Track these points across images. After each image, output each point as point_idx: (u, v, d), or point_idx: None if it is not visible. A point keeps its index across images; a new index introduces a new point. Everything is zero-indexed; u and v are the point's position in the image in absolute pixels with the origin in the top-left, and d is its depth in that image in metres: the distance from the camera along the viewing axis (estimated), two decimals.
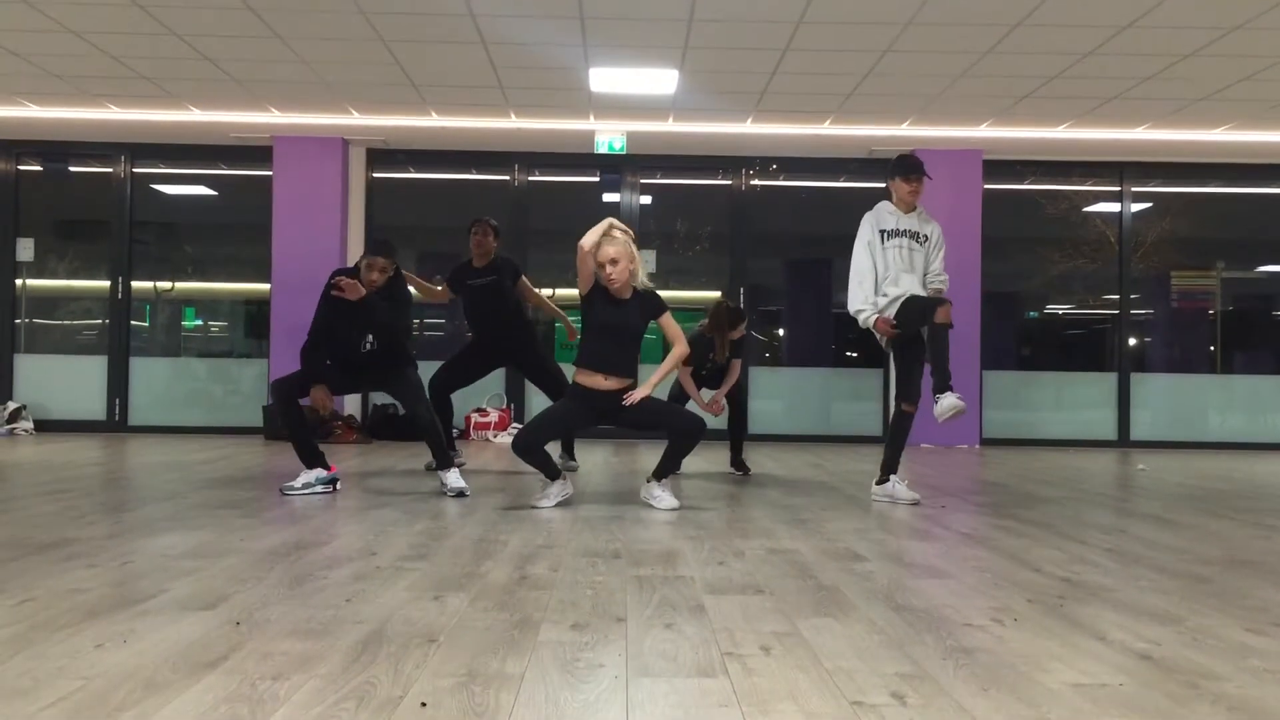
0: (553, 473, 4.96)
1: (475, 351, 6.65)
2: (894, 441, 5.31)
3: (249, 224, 10.01)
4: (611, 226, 4.87)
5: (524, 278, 6.61)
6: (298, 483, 5.21)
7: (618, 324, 4.89)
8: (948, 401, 4.90)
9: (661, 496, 4.90)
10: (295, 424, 5.27)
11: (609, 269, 4.79)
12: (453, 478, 5.25)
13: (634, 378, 4.96)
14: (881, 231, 5.19)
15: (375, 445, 8.67)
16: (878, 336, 5.22)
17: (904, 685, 2.16)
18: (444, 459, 5.33)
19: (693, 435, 4.94)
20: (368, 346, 5.37)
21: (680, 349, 5.01)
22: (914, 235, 5.22)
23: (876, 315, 5.09)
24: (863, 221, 5.27)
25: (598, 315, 4.88)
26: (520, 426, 9.39)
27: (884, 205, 5.29)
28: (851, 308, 5.17)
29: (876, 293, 5.13)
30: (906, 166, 5.28)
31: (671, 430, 4.97)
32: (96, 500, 4.92)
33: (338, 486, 5.34)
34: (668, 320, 4.97)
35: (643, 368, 5.05)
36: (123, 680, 2.10)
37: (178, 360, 10.32)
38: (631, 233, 4.95)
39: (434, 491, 5.36)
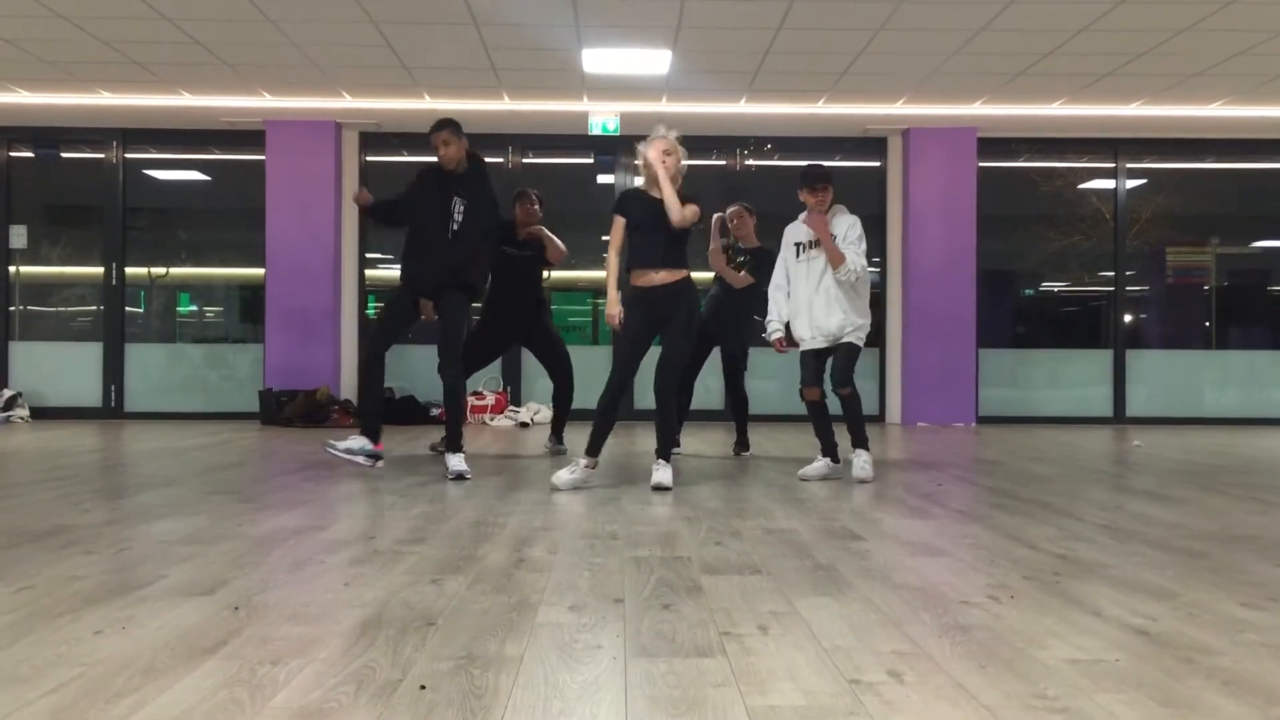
0: (596, 448, 4.98)
1: (491, 329, 6.50)
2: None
3: (242, 209, 10.00)
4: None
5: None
6: (340, 445, 5.29)
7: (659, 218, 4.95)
8: (862, 460, 5.37)
9: (657, 471, 4.94)
10: (375, 384, 5.34)
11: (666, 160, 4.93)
12: (456, 461, 5.24)
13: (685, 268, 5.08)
14: (796, 245, 5.43)
15: None
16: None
17: (901, 663, 2.17)
18: (456, 440, 5.30)
19: (669, 368, 5.02)
20: (456, 221, 5.33)
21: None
22: (815, 244, 5.34)
23: (779, 335, 5.47)
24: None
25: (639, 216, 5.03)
26: (516, 409, 9.45)
27: (800, 217, 5.44)
28: (767, 318, 5.57)
29: (784, 310, 5.45)
30: (806, 177, 5.37)
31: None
32: (93, 487, 4.92)
33: (379, 464, 5.42)
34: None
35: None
36: (122, 667, 2.10)
37: (173, 346, 10.30)
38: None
39: (432, 475, 5.36)
